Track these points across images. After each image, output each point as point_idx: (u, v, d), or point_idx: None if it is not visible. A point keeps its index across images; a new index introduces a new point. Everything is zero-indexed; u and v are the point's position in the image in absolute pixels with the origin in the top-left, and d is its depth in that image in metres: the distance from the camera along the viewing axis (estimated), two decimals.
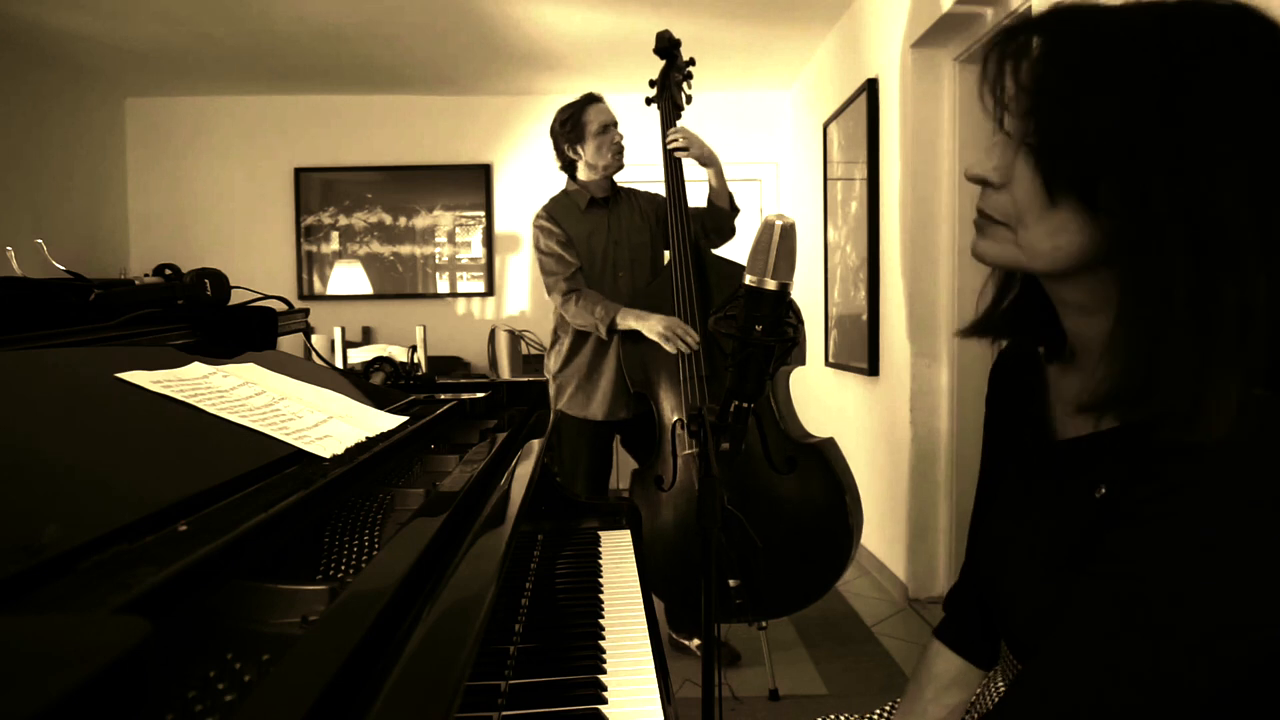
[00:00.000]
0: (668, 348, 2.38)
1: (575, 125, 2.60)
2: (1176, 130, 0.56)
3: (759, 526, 2.23)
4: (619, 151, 2.60)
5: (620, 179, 2.70)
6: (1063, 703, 0.62)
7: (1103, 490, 0.66)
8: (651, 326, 2.40)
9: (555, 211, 2.64)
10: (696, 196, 2.65)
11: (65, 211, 4.41)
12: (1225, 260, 0.56)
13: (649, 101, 2.66)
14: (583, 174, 2.64)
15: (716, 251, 2.66)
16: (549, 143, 2.69)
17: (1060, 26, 0.60)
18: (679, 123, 2.61)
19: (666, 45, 2.61)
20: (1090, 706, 0.60)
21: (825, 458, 2.36)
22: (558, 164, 2.70)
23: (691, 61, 2.65)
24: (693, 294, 2.44)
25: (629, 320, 2.45)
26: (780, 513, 2.34)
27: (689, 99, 2.66)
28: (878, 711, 1.03)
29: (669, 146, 2.52)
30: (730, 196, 2.65)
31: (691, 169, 2.58)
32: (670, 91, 2.62)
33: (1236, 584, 0.57)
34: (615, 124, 2.61)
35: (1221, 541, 0.57)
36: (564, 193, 2.69)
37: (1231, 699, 0.62)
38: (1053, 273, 0.65)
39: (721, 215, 2.64)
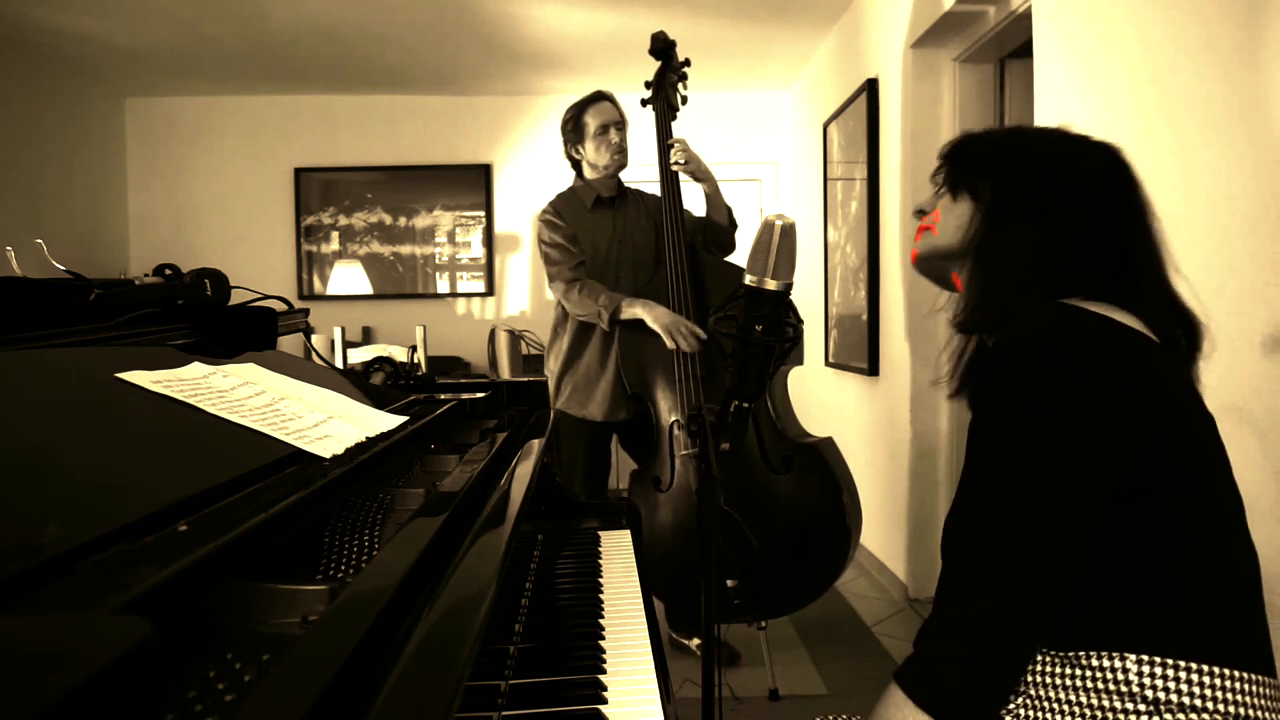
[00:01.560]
0: (669, 342, 2.37)
1: (576, 125, 2.60)
2: (1009, 166, 0.96)
3: (756, 527, 2.23)
4: (618, 152, 2.59)
5: (621, 177, 2.70)
6: (947, 606, 0.79)
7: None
8: (657, 317, 2.39)
9: (561, 207, 2.64)
10: (696, 201, 2.66)
11: (65, 211, 4.41)
12: (1001, 232, 0.93)
13: (644, 103, 2.66)
14: (587, 173, 2.65)
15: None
16: (549, 143, 2.71)
17: (964, 138, 1.02)
18: (674, 125, 2.61)
19: (661, 46, 2.61)
20: (957, 596, 0.78)
21: (822, 457, 2.36)
22: (568, 161, 2.71)
23: (687, 62, 2.65)
24: (688, 294, 2.44)
25: (635, 308, 2.43)
26: (777, 513, 2.34)
27: (684, 100, 2.66)
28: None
29: (671, 161, 2.52)
30: (728, 211, 2.65)
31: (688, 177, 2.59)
32: (665, 93, 2.62)
33: (1030, 453, 0.77)
34: (618, 123, 2.60)
35: (1012, 411, 0.79)
36: (571, 190, 2.70)
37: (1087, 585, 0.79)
38: (954, 250, 0.97)
39: (720, 230, 2.64)
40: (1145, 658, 0.77)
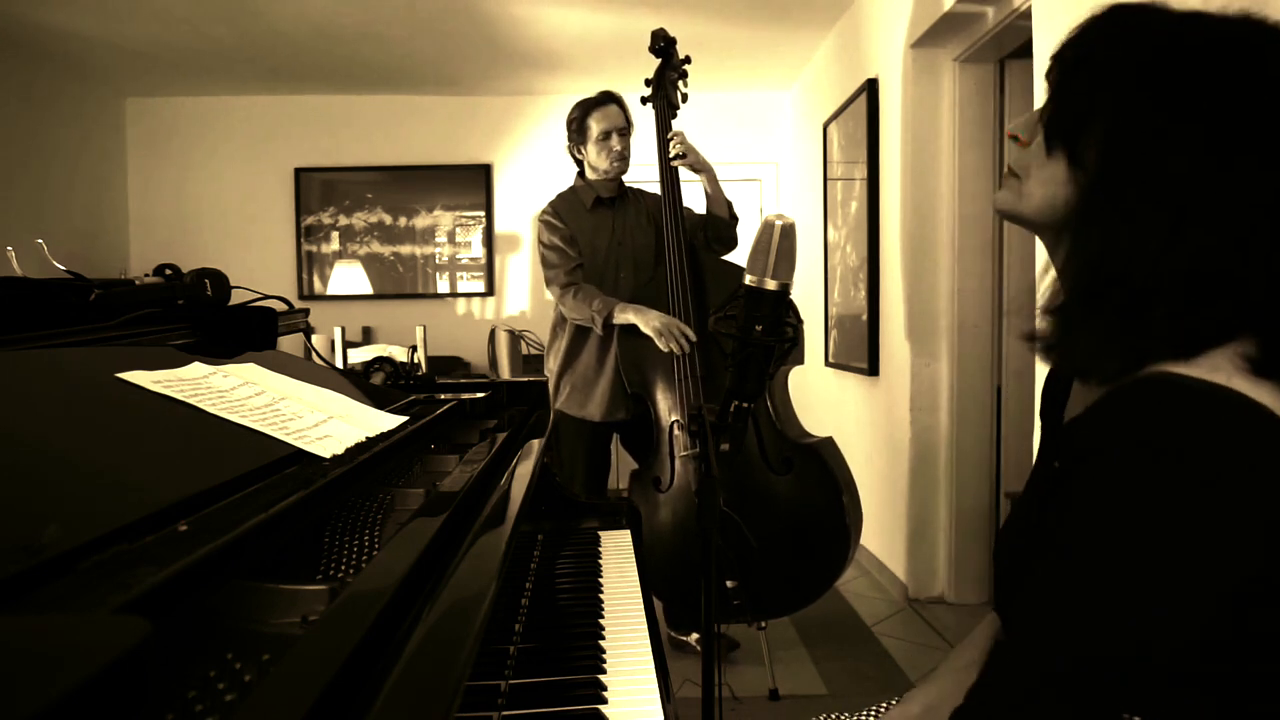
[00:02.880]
0: (661, 345, 2.37)
1: (580, 127, 2.61)
2: (1156, 116, 0.65)
3: (755, 527, 2.23)
4: (619, 159, 2.60)
5: (622, 177, 2.71)
6: (1015, 679, 0.66)
7: (1056, 464, 0.72)
8: (649, 321, 2.39)
9: (560, 208, 2.64)
10: (695, 200, 2.66)
11: (65, 211, 4.41)
12: (1124, 221, 0.65)
13: (644, 101, 2.66)
14: (588, 173, 2.66)
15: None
16: (549, 143, 2.71)
17: (1100, 21, 0.72)
18: (674, 123, 2.61)
19: (662, 44, 2.61)
20: (1033, 681, 0.65)
21: (822, 458, 2.36)
22: (570, 158, 2.72)
23: (687, 60, 2.64)
24: (687, 294, 2.44)
25: (627, 314, 2.44)
26: (777, 513, 2.34)
27: (684, 98, 2.65)
28: (877, 709, 1.03)
29: (670, 154, 2.52)
30: (729, 205, 2.65)
31: (685, 172, 2.59)
32: (665, 90, 2.62)
33: (1132, 558, 0.61)
34: (622, 129, 2.60)
35: (1114, 514, 0.62)
36: (571, 189, 2.70)
37: (1177, 675, 0.66)
38: (1039, 222, 0.75)
39: (721, 224, 2.64)
40: None
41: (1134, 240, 0.64)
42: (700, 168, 2.55)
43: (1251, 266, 0.63)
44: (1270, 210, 0.63)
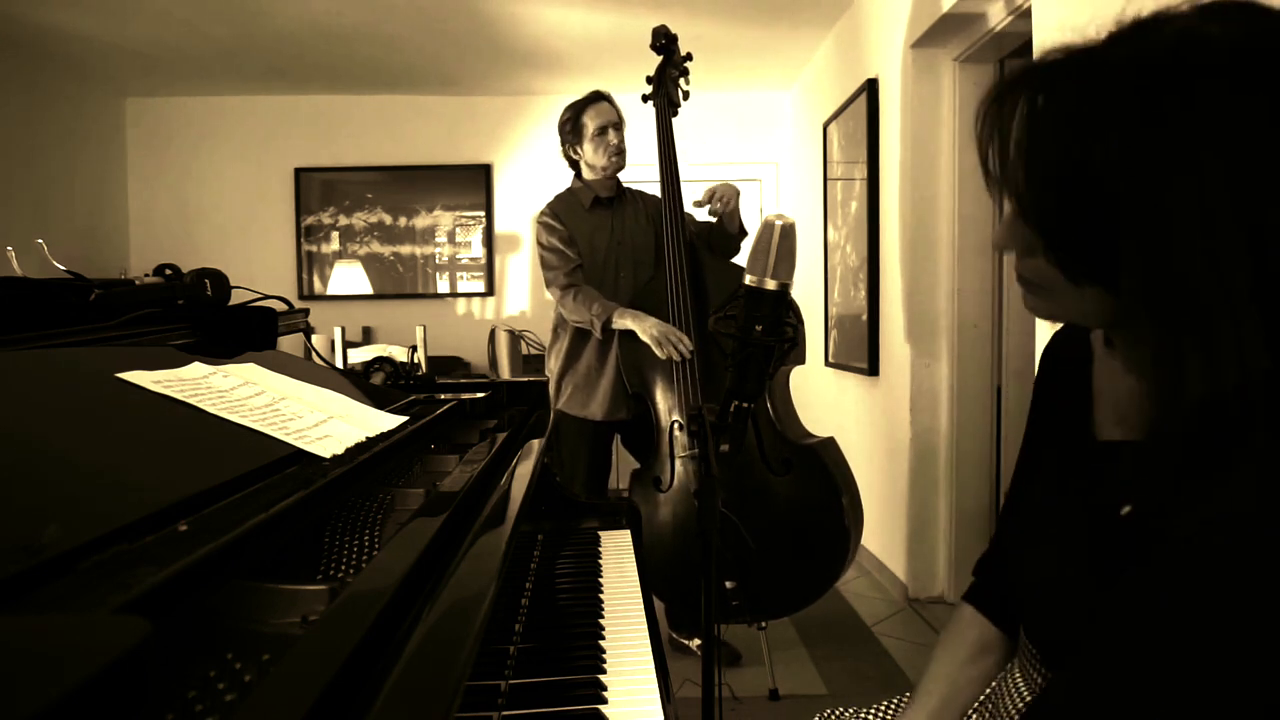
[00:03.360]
0: (659, 353, 2.39)
1: (575, 126, 2.61)
2: (1189, 197, 0.54)
3: (755, 528, 2.23)
4: (617, 153, 2.59)
5: (620, 177, 2.70)
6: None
7: (1128, 509, 0.66)
8: (646, 329, 2.40)
9: (559, 209, 2.64)
10: (695, 198, 2.66)
11: (65, 211, 4.41)
12: (1203, 335, 0.56)
13: (645, 99, 2.65)
14: (586, 173, 2.65)
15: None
16: (549, 143, 2.71)
17: (1053, 82, 0.60)
18: (675, 121, 2.61)
19: (663, 41, 2.61)
20: None
21: (821, 459, 2.36)
22: (566, 162, 2.71)
23: (688, 57, 2.64)
24: (687, 294, 2.44)
25: (625, 320, 2.45)
26: (776, 514, 2.34)
27: (686, 95, 2.65)
28: (876, 707, 1.03)
29: (712, 209, 2.53)
30: (740, 224, 2.64)
31: (686, 170, 2.59)
32: (666, 88, 2.62)
33: (1258, 635, 0.54)
34: (616, 124, 2.60)
35: (1243, 589, 0.54)
36: (569, 190, 2.70)
37: None
38: (1089, 325, 0.72)
39: (728, 239, 2.63)
40: None
41: (1220, 357, 0.56)
42: (733, 213, 2.55)
43: None
44: None
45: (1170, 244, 0.55)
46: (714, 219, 2.58)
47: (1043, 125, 0.59)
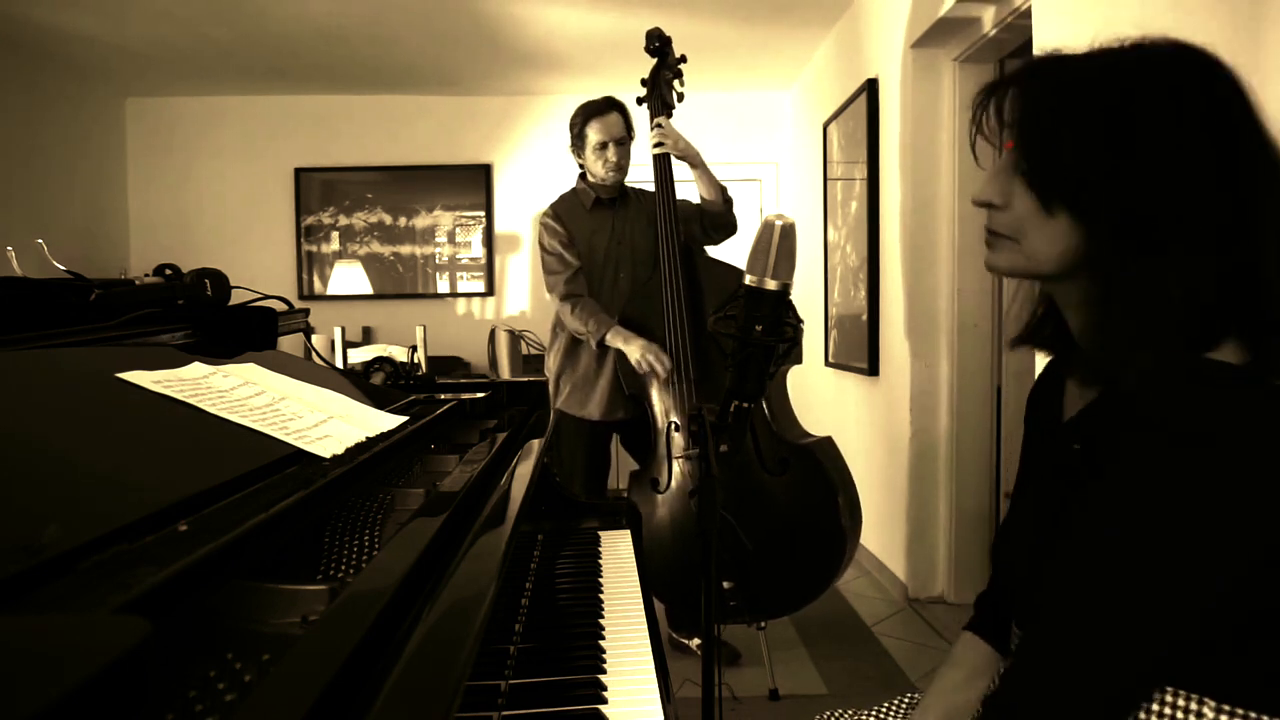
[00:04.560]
0: (639, 369, 2.44)
1: (579, 134, 2.62)
2: (1130, 156, 0.70)
3: (752, 528, 2.23)
4: (615, 170, 2.59)
5: None
6: (1051, 667, 0.70)
7: (1077, 446, 0.76)
8: (631, 351, 2.45)
9: (561, 210, 2.65)
10: (695, 195, 2.66)
11: (65, 211, 4.41)
12: (1158, 254, 0.70)
13: (640, 101, 2.66)
14: (589, 175, 2.66)
15: (709, 252, 2.66)
16: (549, 143, 2.71)
17: (1035, 76, 0.75)
18: (671, 124, 2.61)
19: (657, 43, 2.61)
20: (1073, 667, 0.68)
21: (817, 459, 2.36)
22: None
23: (683, 59, 2.64)
24: (682, 296, 2.44)
25: (616, 340, 2.49)
26: (773, 515, 2.33)
27: (680, 97, 2.65)
28: (876, 708, 1.03)
29: (651, 144, 2.53)
30: (722, 189, 2.63)
31: (683, 170, 2.59)
32: (660, 90, 2.62)
33: (1178, 538, 0.65)
34: (620, 139, 2.59)
35: (1161, 499, 0.66)
36: (573, 190, 2.71)
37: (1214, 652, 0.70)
38: (1054, 275, 0.77)
39: (715, 211, 2.63)
40: (1225, 707, 0.71)
41: (1179, 272, 0.69)
42: (684, 155, 2.55)
43: (1267, 271, 0.69)
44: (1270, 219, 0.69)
45: (1132, 172, 0.69)
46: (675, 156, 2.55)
47: (1040, 91, 0.74)
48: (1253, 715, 0.71)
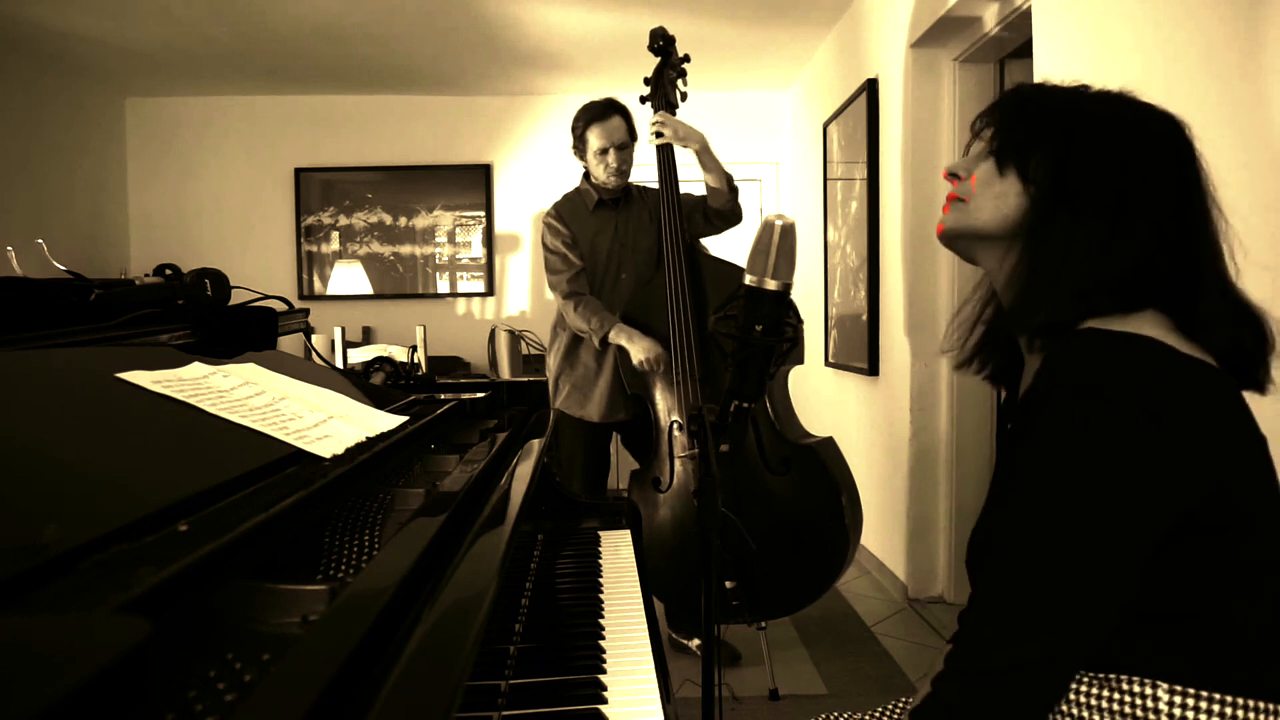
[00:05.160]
0: (641, 370, 2.46)
1: (580, 138, 2.61)
2: (1072, 143, 0.84)
3: (754, 528, 2.23)
4: (616, 174, 2.59)
5: None
6: (982, 631, 0.75)
7: (1009, 426, 0.84)
8: (634, 350, 2.46)
9: (563, 210, 2.65)
10: (697, 190, 2.65)
11: (66, 211, 4.41)
12: (1081, 218, 0.82)
13: (643, 100, 2.65)
14: (591, 177, 2.66)
15: (712, 251, 2.66)
16: (549, 143, 2.71)
17: (1022, 87, 0.92)
18: (663, 113, 2.59)
19: (661, 42, 2.61)
20: (1002, 628, 0.74)
21: (821, 459, 2.36)
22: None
23: (686, 58, 2.64)
24: (686, 295, 2.44)
25: (620, 338, 2.49)
26: (776, 514, 2.34)
27: (684, 96, 2.65)
28: (877, 710, 1.03)
29: (650, 134, 2.53)
30: (728, 177, 2.59)
31: (688, 170, 2.58)
32: (664, 89, 2.61)
33: (1084, 493, 0.72)
34: (621, 145, 2.58)
35: (1064, 455, 0.73)
36: (576, 190, 2.71)
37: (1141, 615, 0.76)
38: (989, 232, 0.88)
39: (719, 200, 2.59)
40: (1178, 688, 0.75)
41: (1087, 234, 0.81)
42: (687, 140, 2.51)
43: (1164, 252, 0.81)
44: (1173, 216, 0.82)
45: (1075, 152, 0.83)
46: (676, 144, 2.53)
47: (1021, 93, 0.91)
48: (1204, 694, 0.75)
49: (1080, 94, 0.87)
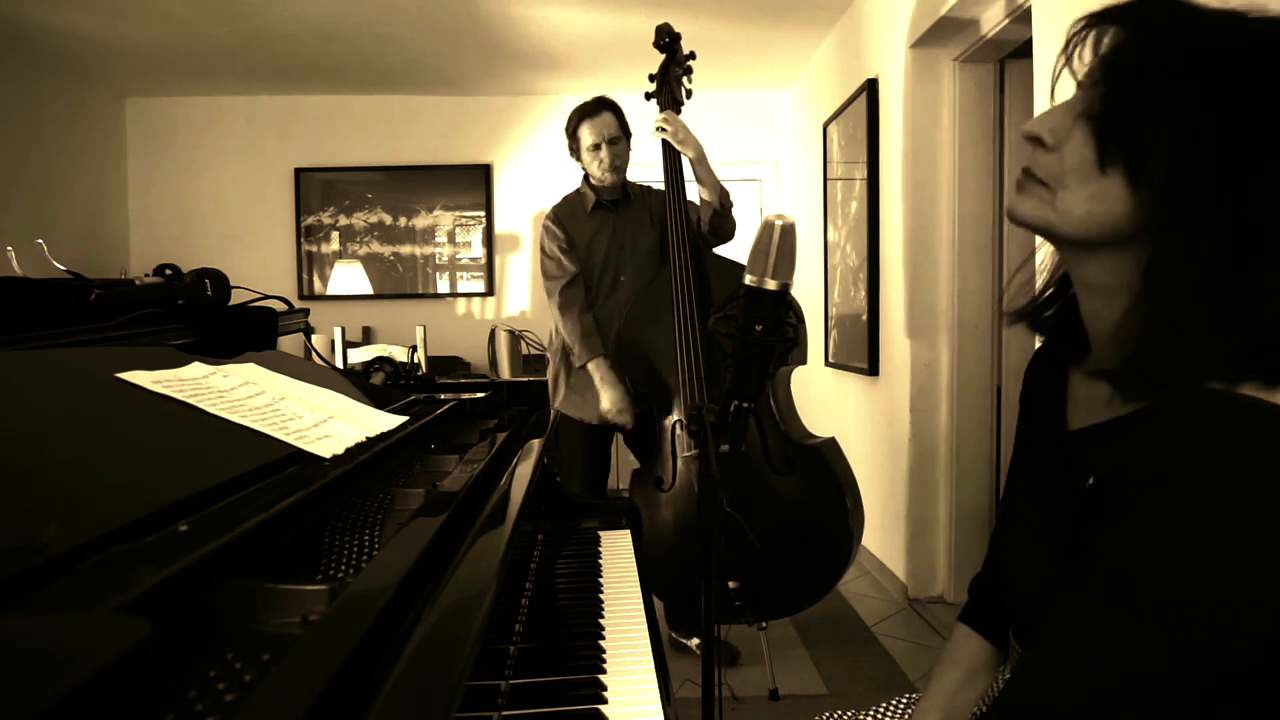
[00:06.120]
0: (604, 419, 2.55)
1: (573, 136, 2.62)
2: (1239, 132, 0.59)
3: (758, 528, 2.23)
4: (611, 169, 2.59)
5: (627, 176, 2.70)
6: (1055, 692, 0.63)
7: (1091, 481, 0.68)
8: (603, 397, 2.53)
9: (562, 213, 2.65)
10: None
11: (66, 211, 4.41)
12: (1253, 255, 0.59)
13: (649, 97, 2.65)
14: (589, 178, 2.66)
15: (716, 251, 2.65)
16: (549, 143, 2.71)
17: (1149, 14, 0.64)
18: (669, 112, 2.59)
19: (666, 39, 2.61)
20: (1080, 696, 0.62)
21: (825, 459, 2.36)
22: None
23: (692, 55, 2.64)
24: (692, 293, 2.43)
25: (595, 375, 2.55)
26: (780, 514, 2.34)
27: (689, 93, 2.65)
28: (877, 709, 1.03)
29: (654, 128, 2.53)
30: (723, 193, 2.56)
31: (689, 170, 2.58)
32: (670, 86, 2.61)
33: (1212, 582, 0.58)
34: (613, 139, 2.58)
35: (1195, 538, 0.58)
36: (575, 192, 2.71)
37: (1226, 693, 0.62)
38: (1077, 240, 0.67)
39: (707, 208, 2.56)
40: None
41: (1228, 272, 0.60)
42: (685, 144, 2.49)
43: None
44: None
45: (1200, 152, 0.59)
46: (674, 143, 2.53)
47: (1148, 32, 0.63)
48: None
49: (1247, 36, 0.60)
